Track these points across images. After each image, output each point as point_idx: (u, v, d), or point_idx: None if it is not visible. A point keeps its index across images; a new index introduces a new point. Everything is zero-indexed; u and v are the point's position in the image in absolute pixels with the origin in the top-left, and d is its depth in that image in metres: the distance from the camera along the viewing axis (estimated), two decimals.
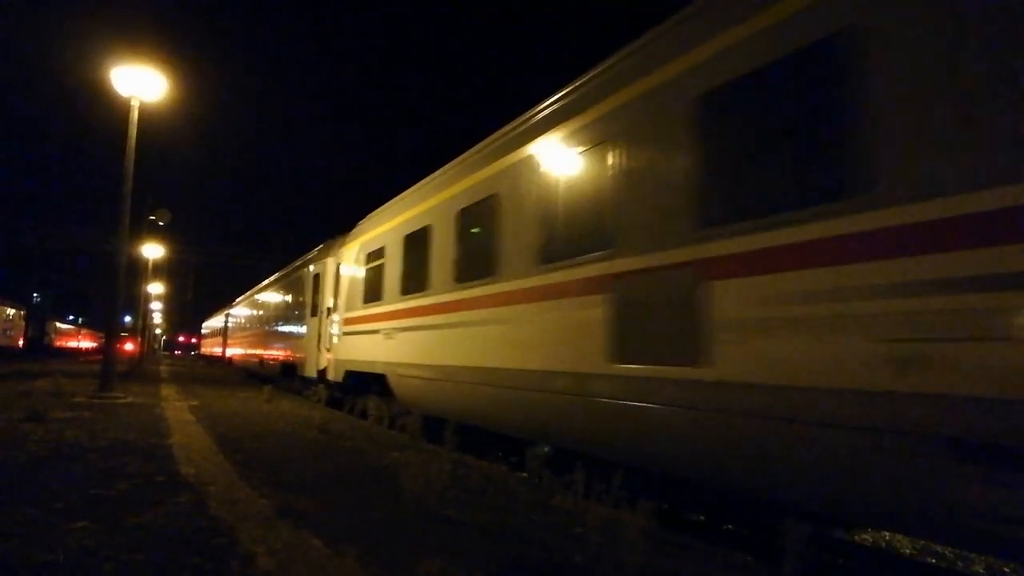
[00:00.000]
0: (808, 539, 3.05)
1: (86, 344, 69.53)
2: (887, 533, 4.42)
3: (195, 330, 75.90)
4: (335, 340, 11.21)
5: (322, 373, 11.95)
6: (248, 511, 3.72)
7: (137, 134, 10.27)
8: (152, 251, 25.32)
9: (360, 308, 10.00)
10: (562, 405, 4.88)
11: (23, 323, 43.26)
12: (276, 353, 17.40)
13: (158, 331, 64.15)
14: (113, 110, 10.85)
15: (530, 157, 5.74)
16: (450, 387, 6.67)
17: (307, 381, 13.26)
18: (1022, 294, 2.39)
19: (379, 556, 2.99)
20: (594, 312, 4.57)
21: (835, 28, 3.17)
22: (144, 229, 24.07)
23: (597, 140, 4.86)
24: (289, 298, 16.11)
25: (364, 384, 9.90)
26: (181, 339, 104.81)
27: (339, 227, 12.98)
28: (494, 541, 3.35)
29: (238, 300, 30.09)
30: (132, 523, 3.36)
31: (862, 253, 2.91)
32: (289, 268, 16.91)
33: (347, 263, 11.20)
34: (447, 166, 7.72)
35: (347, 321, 10.65)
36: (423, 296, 7.55)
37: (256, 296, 23.10)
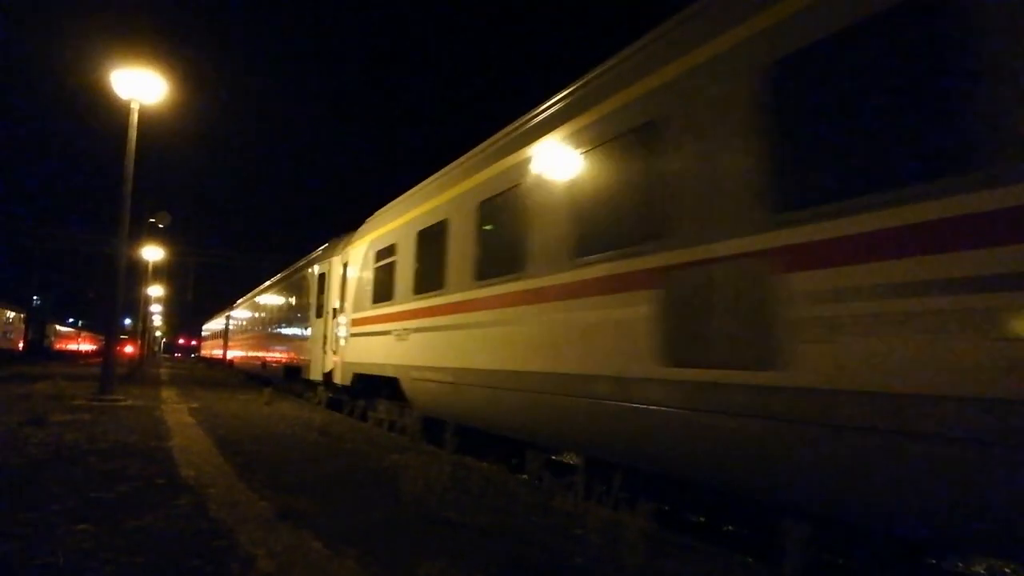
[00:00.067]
0: (808, 539, 3.04)
1: (86, 347, 69.48)
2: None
3: (195, 333, 75.91)
4: (342, 342, 10.88)
5: (328, 376, 11.64)
6: (248, 513, 3.72)
7: (137, 136, 10.29)
8: (152, 253, 25.34)
9: (369, 308, 9.58)
10: (600, 412, 4.41)
11: (23, 326, 43.24)
12: (279, 356, 17.21)
13: (158, 334, 64.16)
14: (113, 112, 10.87)
15: (563, 141, 5.26)
16: (471, 391, 6.24)
17: (311, 384, 13.16)
18: None
19: (379, 558, 2.99)
20: (640, 309, 4.10)
21: None
22: (144, 231, 24.10)
23: (645, 118, 4.32)
24: (293, 299, 15.91)
25: (374, 388, 9.52)
26: (181, 342, 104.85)
27: (339, 227, 12.87)
28: (494, 543, 3.35)
29: (239, 302, 30.00)
30: (132, 525, 3.36)
31: (1006, 235, 2.44)
32: (292, 268, 16.71)
33: (354, 262, 10.79)
34: (465, 156, 7.27)
35: (355, 322, 10.28)
36: (440, 295, 7.10)
37: (258, 298, 22.95)
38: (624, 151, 4.57)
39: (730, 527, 4.44)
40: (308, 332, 13.49)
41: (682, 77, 4.06)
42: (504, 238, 5.99)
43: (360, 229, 10.95)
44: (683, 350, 3.77)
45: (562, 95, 5.51)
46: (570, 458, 6.00)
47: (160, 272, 33.32)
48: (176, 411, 9.46)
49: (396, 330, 8.30)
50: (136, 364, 24.93)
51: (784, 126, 3.37)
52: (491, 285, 6.02)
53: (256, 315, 22.97)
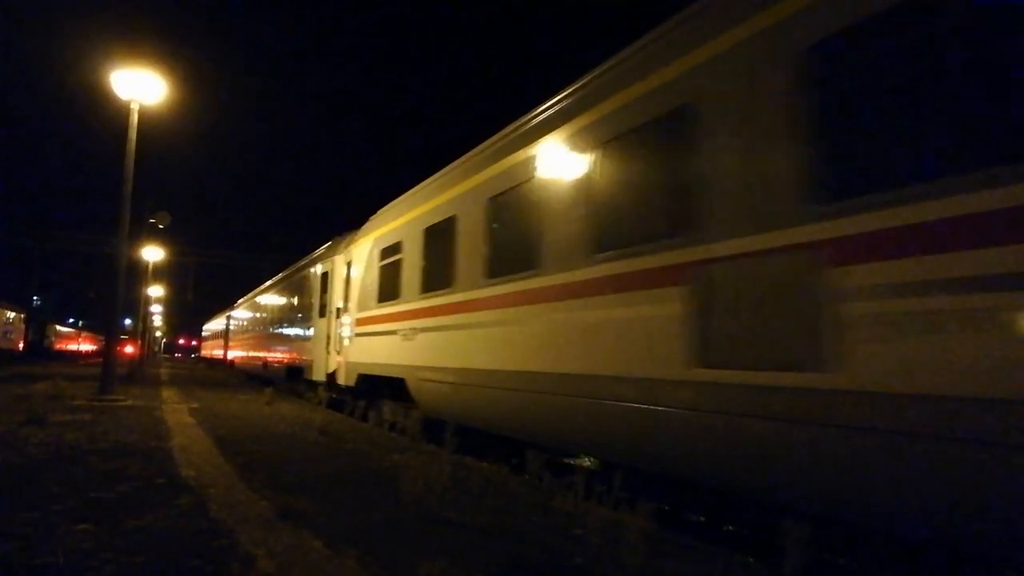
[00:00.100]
0: (808, 539, 3.04)
1: (86, 347, 69.49)
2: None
3: (195, 333, 75.95)
4: (346, 342, 10.69)
5: (332, 377, 11.49)
6: (248, 513, 3.72)
7: (137, 136, 10.29)
8: (152, 253, 25.32)
9: (374, 308, 9.35)
10: (625, 416, 4.18)
11: (23, 326, 43.24)
12: (281, 356, 17.09)
13: (158, 334, 64.18)
14: (113, 112, 10.88)
15: (583, 130, 5.00)
16: (482, 393, 6.03)
17: (312, 384, 13.10)
18: None
19: (379, 557, 2.99)
20: (670, 307, 3.87)
21: None
22: (144, 232, 24.08)
23: (679, 101, 4.05)
24: (295, 299, 15.78)
25: (379, 389, 9.34)
26: (181, 342, 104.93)
27: (339, 227, 12.80)
28: (494, 542, 3.35)
29: (240, 301, 29.96)
30: (132, 525, 3.36)
31: None
32: (295, 267, 16.58)
33: (358, 260, 10.58)
34: (474, 151, 7.02)
35: (360, 322, 10.05)
36: (449, 293, 6.88)
37: (260, 297, 22.85)
38: (654, 138, 4.29)
39: (730, 527, 4.44)
40: (311, 332, 13.37)
41: (724, 55, 3.76)
42: (517, 234, 5.76)
43: (364, 227, 10.74)
44: (718, 350, 3.52)
45: (582, 82, 5.27)
46: (587, 461, 5.92)
47: (160, 272, 33.31)
48: (176, 411, 9.46)
49: (402, 330, 8.10)
50: (136, 364, 24.90)
51: (843, 103, 3.10)
52: (505, 283, 5.81)
53: (257, 315, 22.87)
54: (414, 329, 7.70)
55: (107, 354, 10.71)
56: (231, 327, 32.55)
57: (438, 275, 7.23)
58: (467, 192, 6.81)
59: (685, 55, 4.05)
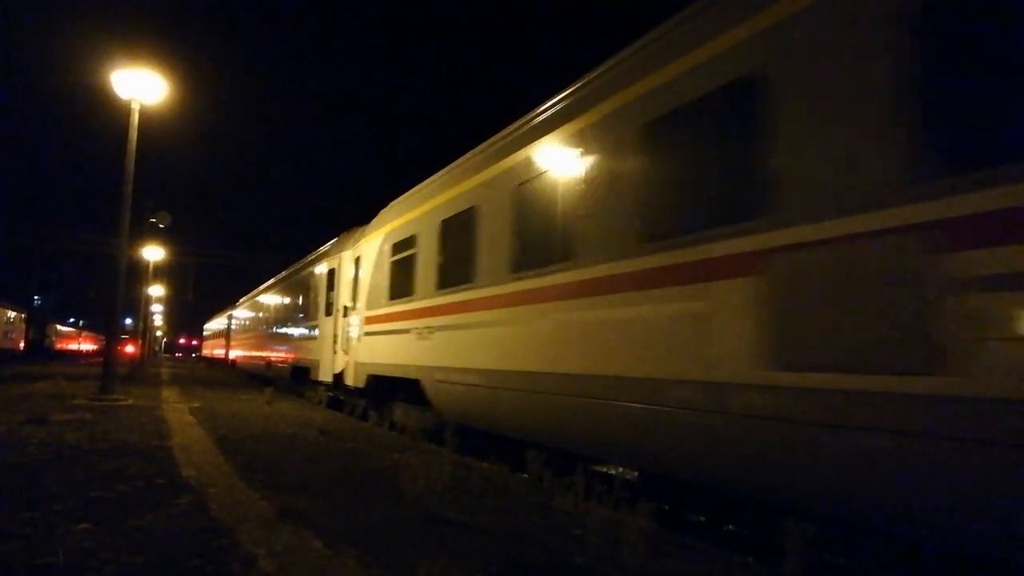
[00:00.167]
0: (808, 539, 3.03)
1: (87, 346, 69.63)
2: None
3: (196, 332, 76.02)
4: (354, 342, 10.28)
5: (339, 377, 11.11)
6: (249, 513, 3.72)
7: (137, 136, 10.29)
8: (153, 253, 25.35)
9: (385, 305, 8.90)
10: (681, 423, 3.76)
11: (24, 326, 43.30)
12: (285, 356, 16.67)
13: (159, 333, 64.20)
14: (113, 112, 10.89)
15: (622, 111, 4.55)
16: (509, 396, 5.59)
17: (313, 384, 13.02)
18: None
19: (379, 557, 2.99)
20: (733, 300, 3.44)
21: None
22: (144, 231, 24.11)
23: (745, 69, 3.58)
24: (300, 297, 15.36)
25: (389, 390, 8.97)
26: (182, 341, 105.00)
27: (339, 227, 12.59)
28: (494, 542, 3.35)
29: (242, 300, 29.79)
30: (132, 525, 3.36)
31: None
32: (300, 264, 16.19)
33: (368, 256, 10.13)
34: (497, 136, 6.60)
35: (369, 320, 9.60)
36: (469, 289, 6.46)
37: (262, 296, 22.50)
38: (712, 112, 3.84)
39: (730, 527, 4.44)
40: (317, 332, 12.95)
41: (799, 15, 3.29)
42: (546, 224, 5.32)
43: (373, 222, 10.33)
44: (798, 349, 3.10)
45: (620, 58, 4.82)
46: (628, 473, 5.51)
47: (160, 272, 33.35)
48: (177, 411, 9.46)
49: (417, 328, 7.64)
50: (137, 364, 24.94)
51: (959, 56, 2.65)
52: (535, 277, 5.36)
53: (261, 314, 22.46)
54: (430, 328, 7.28)
55: (108, 354, 10.71)
56: (233, 326, 32.44)
57: (457, 270, 6.79)
58: (489, 180, 6.37)
59: (747, 19, 3.62)
